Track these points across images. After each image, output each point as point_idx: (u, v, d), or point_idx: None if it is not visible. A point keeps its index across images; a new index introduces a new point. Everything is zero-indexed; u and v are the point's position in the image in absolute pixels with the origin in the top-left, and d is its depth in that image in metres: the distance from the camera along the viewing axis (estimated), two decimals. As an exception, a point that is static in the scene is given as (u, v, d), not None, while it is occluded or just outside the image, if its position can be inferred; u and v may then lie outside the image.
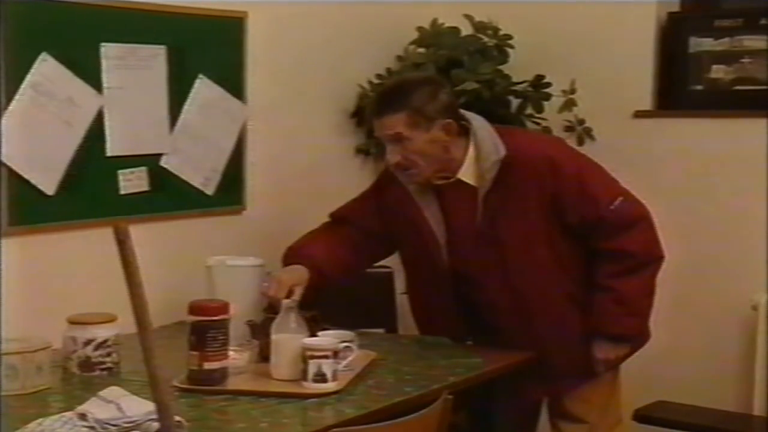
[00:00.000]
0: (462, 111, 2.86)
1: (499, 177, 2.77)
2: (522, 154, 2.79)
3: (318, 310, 2.65)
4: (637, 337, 2.94)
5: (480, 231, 2.82)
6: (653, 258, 2.89)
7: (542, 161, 2.80)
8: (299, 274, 2.76)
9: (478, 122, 2.84)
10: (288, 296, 2.64)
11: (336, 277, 2.88)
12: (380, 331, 3.30)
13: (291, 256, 2.86)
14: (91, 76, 2.89)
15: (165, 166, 3.12)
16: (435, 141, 2.75)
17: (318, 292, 2.77)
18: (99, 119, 2.92)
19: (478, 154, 2.79)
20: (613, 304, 2.85)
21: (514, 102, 3.71)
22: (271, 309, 2.66)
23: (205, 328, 2.40)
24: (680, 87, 3.77)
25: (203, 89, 3.20)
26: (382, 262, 3.21)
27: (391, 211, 2.94)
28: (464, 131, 2.81)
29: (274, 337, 2.51)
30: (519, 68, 3.73)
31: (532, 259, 2.83)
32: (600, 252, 2.85)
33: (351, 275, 3.00)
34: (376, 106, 2.82)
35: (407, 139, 2.73)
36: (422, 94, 2.75)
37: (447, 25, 3.77)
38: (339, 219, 3.02)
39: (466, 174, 2.81)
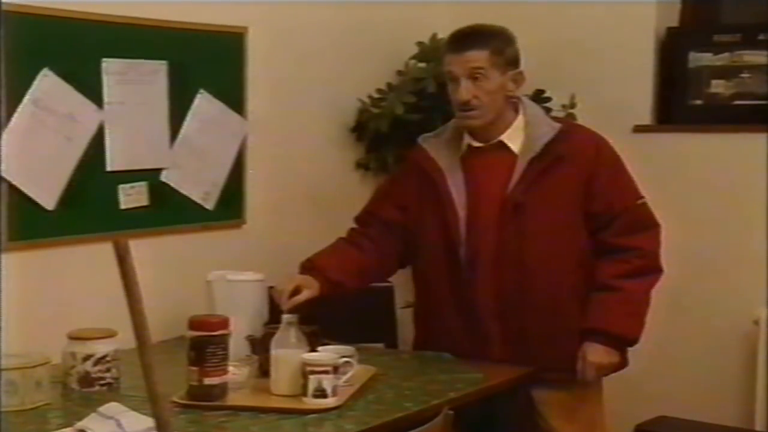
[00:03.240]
0: None
1: (550, 146, 2.86)
2: (574, 132, 2.95)
3: (318, 325, 2.65)
4: (632, 343, 2.90)
5: (507, 199, 2.84)
6: (658, 267, 2.93)
7: (590, 142, 2.93)
8: (310, 281, 2.81)
9: (529, 101, 2.99)
10: (295, 294, 2.69)
11: (352, 283, 2.92)
12: (380, 346, 3.30)
13: (301, 270, 2.89)
14: (92, 92, 2.90)
15: (165, 180, 3.12)
16: (503, 88, 2.86)
17: (329, 300, 2.82)
18: (99, 134, 2.92)
19: (528, 122, 2.89)
20: (619, 304, 2.85)
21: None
22: (275, 309, 2.68)
23: (204, 344, 2.40)
24: (680, 102, 3.78)
25: (203, 104, 3.20)
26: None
27: (414, 195, 2.97)
28: (514, 104, 2.92)
29: (273, 352, 2.50)
30: (519, 83, 3.73)
31: (552, 237, 2.84)
32: (613, 249, 2.86)
33: (373, 278, 3.06)
34: (459, 41, 2.87)
35: (485, 77, 2.82)
36: (503, 40, 2.88)
37: (447, 39, 3.77)
38: (362, 221, 3.06)
39: (510, 138, 2.89)
